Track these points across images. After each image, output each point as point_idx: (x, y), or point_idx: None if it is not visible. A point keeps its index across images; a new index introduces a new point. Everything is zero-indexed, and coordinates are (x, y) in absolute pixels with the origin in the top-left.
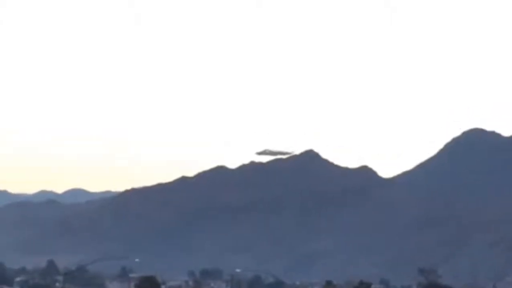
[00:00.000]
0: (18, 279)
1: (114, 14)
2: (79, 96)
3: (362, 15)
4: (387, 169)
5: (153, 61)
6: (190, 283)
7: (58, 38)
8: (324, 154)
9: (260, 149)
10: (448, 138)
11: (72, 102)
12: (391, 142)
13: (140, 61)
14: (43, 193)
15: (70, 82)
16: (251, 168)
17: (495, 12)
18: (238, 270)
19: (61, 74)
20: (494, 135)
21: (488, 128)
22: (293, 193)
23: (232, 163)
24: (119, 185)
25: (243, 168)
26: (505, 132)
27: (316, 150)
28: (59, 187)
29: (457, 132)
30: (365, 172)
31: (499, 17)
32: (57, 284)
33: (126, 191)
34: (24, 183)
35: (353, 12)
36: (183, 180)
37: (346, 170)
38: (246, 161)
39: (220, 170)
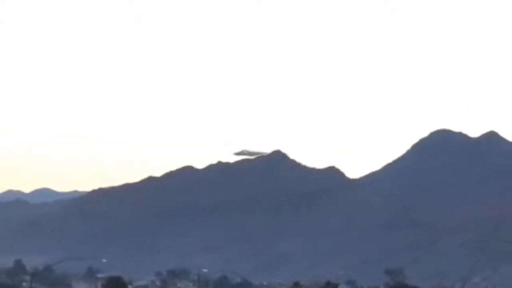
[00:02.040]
0: None
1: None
2: (47, 96)
3: (338, 17)
4: (354, 170)
5: (125, 60)
6: (157, 283)
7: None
8: (292, 155)
9: (232, 149)
10: (415, 139)
11: (40, 102)
12: (358, 143)
13: (113, 60)
14: (10, 192)
15: (39, 84)
16: (218, 168)
17: (465, 15)
18: (205, 270)
19: (32, 76)
20: (461, 136)
21: (455, 129)
22: (261, 194)
23: (200, 163)
24: (87, 185)
25: (210, 168)
26: (472, 133)
27: (283, 150)
28: (27, 187)
29: (424, 133)
30: (332, 173)
31: (467, 20)
32: (24, 284)
33: (94, 191)
34: None
35: (330, 14)
36: (151, 180)
37: (313, 171)
38: (214, 161)
39: (187, 170)
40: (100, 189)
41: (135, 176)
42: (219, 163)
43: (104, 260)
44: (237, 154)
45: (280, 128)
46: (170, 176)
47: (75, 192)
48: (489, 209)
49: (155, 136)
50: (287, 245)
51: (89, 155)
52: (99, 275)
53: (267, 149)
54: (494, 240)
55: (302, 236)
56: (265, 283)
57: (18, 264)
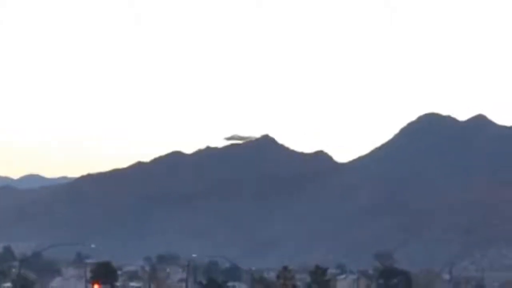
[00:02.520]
0: None
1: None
2: (37, 83)
3: (327, 4)
4: (342, 154)
5: (115, 45)
6: (146, 268)
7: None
8: (280, 139)
9: (221, 134)
10: (403, 123)
11: (30, 89)
12: (346, 126)
13: (102, 46)
14: None
15: (27, 71)
16: (207, 154)
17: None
18: (194, 255)
19: (20, 65)
20: (449, 120)
21: (444, 112)
22: (249, 178)
23: (188, 149)
24: (75, 171)
25: (199, 154)
26: (461, 117)
27: (271, 135)
28: (15, 173)
29: (412, 117)
30: (321, 157)
31: (455, 4)
32: (13, 270)
33: (82, 177)
34: None
35: (319, 2)
36: (139, 165)
37: (301, 155)
38: (202, 146)
39: (176, 156)
40: (89, 175)
41: (123, 161)
42: (208, 148)
43: (93, 246)
44: (228, 139)
45: (268, 112)
46: (158, 161)
47: (64, 178)
48: (478, 192)
49: (144, 122)
50: (275, 230)
51: (77, 141)
52: (88, 261)
53: (256, 133)
54: (482, 224)
55: (290, 220)
56: (254, 268)
57: (7, 250)
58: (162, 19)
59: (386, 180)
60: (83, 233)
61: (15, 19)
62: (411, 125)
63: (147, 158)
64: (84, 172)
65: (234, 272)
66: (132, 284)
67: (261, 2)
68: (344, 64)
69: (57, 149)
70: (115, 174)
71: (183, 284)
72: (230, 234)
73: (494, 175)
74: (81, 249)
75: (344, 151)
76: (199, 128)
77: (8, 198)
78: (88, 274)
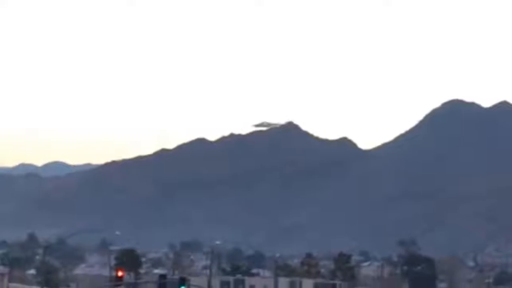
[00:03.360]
0: None
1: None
2: (58, 69)
3: None
4: (366, 141)
5: (132, 34)
6: (170, 255)
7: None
8: (304, 126)
9: (244, 121)
10: (427, 109)
11: (51, 75)
12: (370, 113)
13: (116, 35)
14: (22, 166)
15: (48, 59)
16: (231, 140)
17: None
18: (218, 242)
19: (42, 52)
20: (473, 106)
21: (468, 99)
22: (273, 165)
23: (212, 135)
24: (99, 158)
25: (223, 140)
26: (485, 103)
27: (296, 122)
28: (39, 160)
29: (436, 103)
30: (345, 144)
31: None
32: (37, 257)
33: (106, 164)
34: (4, 156)
35: None
36: (163, 152)
37: (326, 142)
38: (226, 133)
39: (200, 142)
40: (113, 162)
41: (147, 148)
42: (232, 135)
43: (117, 233)
44: (257, 126)
45: (293, 99)
46: (182, 148)
47: (88, 165)
48: (502, 179)
49: (168, 109)
50: (299, 217)
51: (102, 127)
52: (113, 248)
53: (281, 120)
54: (506, 210)
55: (314, 207)
56: (278, 255)
57: (31, 237)
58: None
59: (410, 167)
60: (107, 220)
61: (22, 18)
62: (435, 112)
63: (171, 145)
64: (109, 159)
65: (258, 259)
66: (156, 271)
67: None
68: (369, 51)
69: (82, 136)
70: (139, 161)
71: (207, 271)
72: (254, 221)
73: None
74: (105, 235)
75: (368, 138)
76: (223, 115)
77: (33, 185)
78: (112, 261)
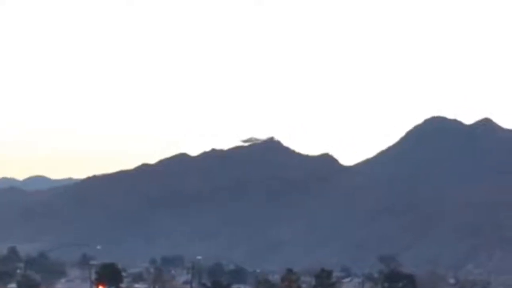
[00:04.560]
0: None
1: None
2: (40, 84)
3: (329, 7)
4: (348, 157)
5: (116, 47)
6: (151, 270)
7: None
8: (286, 142)
9: (227, 136)
10: (409, 126)
11: (33, 90)
12: (352, 129)
13: (102, 47)
14: (4, 180)
15: (33, 73)
16: (212, 156)
17: (459, 2)
18: (199, 257)
19: (26, 66)
20: (455, 123)
21: (450, 116)
22: (255, 181)
23: (193, 151)
24: (81, 173)
25: (204, 156)
26: (466, 120)
27: (277, 137)
28: (21, 174)
29: (418, 120)
30: (327, 160)
31: (461, 7)
32: (18, 271)
33: (88, 178)
34: None
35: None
36: (145, 167)
37: (307, 158)
38: (208, 148)
39: (181, 157)
40: (94, 177)
41: (129, 163)
42: (213, 150)
43: (98, 247)
44: (245, 141)
45: (274, 115)
46: (164, 163)
47: (69, 179)
48: (483, 195)
49: (149, 124)
50: (281, 232)
51: (83, 142)
52: (93, 262)
53: (264, 136)
54: (488, 226)
55: (296, 223)
56: (258, 270)
57: (12, 251)
58: (167, 22)
59: (391, 183)
60: (88, 235)
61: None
62: (417, 128)
63: (152, 160)
64: (90, 174)
65: (239, 274)
66: (137, 286)
67: (262, 4)
68: (351, 67)
69: (63, 151)
70: (121, 176)
71: (188, 286)
72: (235, 237)
73: (499, 178)
74: (86, 250)
75: (350, 154)
76: (205, 130)
77: (14, 199)
78: (93, 276)
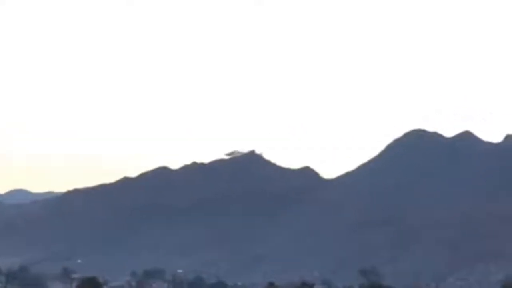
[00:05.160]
0: None
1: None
2: (19, 94)
3: (313, 18)
4: (329, 170)
5: (94, 57)
6: (132, 283)
7: None
8: (267, 155)
9: (207, 149)
10: (389, 139)
11: (13, 100)
12: (333, 143)
13: (81, 57)
14: None
15: (13, 83)
16: (193, 169)
17: (440, 16)
18: (180, 271)
19: (6, 75)
20: (436, 136)
21: (430, 129)
22: (236, 194)
23: (174, 164)
24: (62, 186)
25: (185, 169)
26: (447, 133)
27: (258, 151)
28: (2, 188)
29: (398, 133)
30: (307, 173)
31: (442, 21)
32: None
33: (69, 192)
34: None
35: (305, 14)
36: (126, 180)
37: (288, 171)
38: (188, 161)
39: (162, 171)
40: (76, 190)
41: (110, 176)
42: (194, 163)
43: (79, 261)
44: (228, 154)
45: (255, 128)
46: (145, 176)
47: (51, 192)
48: (464, 208)
49: (130, 137)
50: (262, 246)
51: (64, 156)
52: (74, 276)
53: (244, 149)
54: (469, 239)
55: (277, 236)
56: (240, 283)
57: None
58: (156, 31)
59: (372, 197)
60: (69, 248)
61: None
62: (397, 142)
63: (133, 173)
64: (71, 187)
65: None
66: None
67: (242, 17)
68: (330, 80)
69: (44, 164)
70: (102, 189)
71: None
72: (216, 250)
73: (480, 190)
74: (68, 264)
75: (331, 167)
76: (186, 143)
77: None
78: None
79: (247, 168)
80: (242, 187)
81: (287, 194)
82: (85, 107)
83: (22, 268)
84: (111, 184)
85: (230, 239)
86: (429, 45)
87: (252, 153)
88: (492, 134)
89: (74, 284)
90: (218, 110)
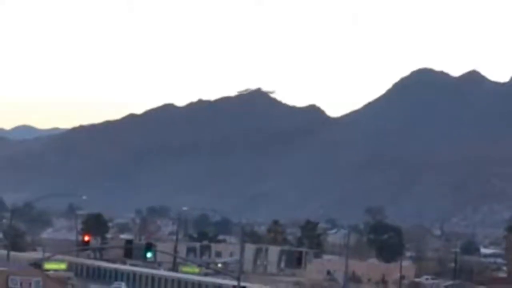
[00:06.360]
0: None
1: None
2: (28, 37)
3: None
4: (335, 108)
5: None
6: (137, 220)
7: None
8: (273, 93)
9: (214, 87)
10: (396, 78)
11: (22, 41)
12: (339, 81)
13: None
14: None
15: (20, 28)
16: (199, 106)
17: None
18: (185, 208)
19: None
20: (442, 75)
21: (437, 68)
22: (241, 132)
23: (180, 101)
24: (67, 123)
25: (191, 106)
26: (454, 72)
27: (264, 88)
28: (7, 124)
29: (405, 72)
30: (313, 111)
31: None
32: (4, 221)
33: (74, 128)
34: None
35: None
36: (131, 117)
37: (294, 109)
38: (194, 98)
39: (168, 108)
40: (81, 126)
41: (115, 113)
42: (200, 101)
43: (84, 197)
44: (240, 92)
45: (261, 66)
46: (150, 113)
47: (56, 129)
48: (470, 148)
49: (136, 74)
50: (267, 184)
51: (70, 92)
52: (80, 212)
53: (252, 86)
54: (474, 180)
55: (282, 174)
56: (244, 221)
57: None
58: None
59: (378, 135)
60: (74, 185)
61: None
62: (404, 80)
63: (139, 110)
64: (76, 124)
65: (224, 226)
66: (123, 236)
67: (262, 4)
68: (337, 18)
69: (49, 100)
70: (107, 126)
71: (174, 237)
72: (221, 188)
73: (486, 131)
74: (72, 200)
75: (337, 106)
76: (192, 80)
77: (0, 149)
78: (79, 226)
79: (252, 106)
80: (248, 125)
81: (292, 132)
82: (92, 46)
83: (27, 204)
84: (116, 121)
85: (235, 177)
86: None
87: (258, 90)
88: (499, 74)
89: (79, 221)
90: (224, 48)
